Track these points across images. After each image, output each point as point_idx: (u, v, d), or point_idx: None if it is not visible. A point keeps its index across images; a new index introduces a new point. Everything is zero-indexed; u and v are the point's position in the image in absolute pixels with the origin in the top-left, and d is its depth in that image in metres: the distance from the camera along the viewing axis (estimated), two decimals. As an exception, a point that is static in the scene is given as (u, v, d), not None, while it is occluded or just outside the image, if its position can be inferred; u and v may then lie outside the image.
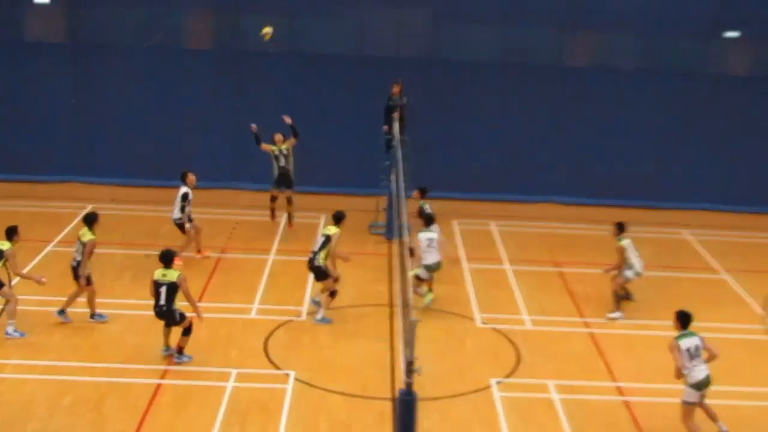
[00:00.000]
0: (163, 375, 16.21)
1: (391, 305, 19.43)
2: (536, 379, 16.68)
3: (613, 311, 19.43)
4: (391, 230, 22.79)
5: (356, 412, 15.25)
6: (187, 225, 21.42)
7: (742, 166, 26.91)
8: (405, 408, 11.34)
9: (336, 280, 18.63)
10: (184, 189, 21.43)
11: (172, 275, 16.33)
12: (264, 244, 22.82)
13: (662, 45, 26.98)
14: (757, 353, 18.17)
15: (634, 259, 19.27)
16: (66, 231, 22.90)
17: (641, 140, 26.81)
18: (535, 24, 26.73)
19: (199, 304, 16.89)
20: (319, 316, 18.59)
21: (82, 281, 17.78)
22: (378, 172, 24.01)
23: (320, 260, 18.27)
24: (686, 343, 14.28)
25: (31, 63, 26.57)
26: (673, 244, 24.41)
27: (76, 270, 17.85)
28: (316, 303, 18.85)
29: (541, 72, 26.79)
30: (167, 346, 16.75)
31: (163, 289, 16.31)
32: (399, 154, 20.87)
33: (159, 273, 16.42)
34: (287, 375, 16.41)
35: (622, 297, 19.69)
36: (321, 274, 18.40)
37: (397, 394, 11.66)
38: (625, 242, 19.21)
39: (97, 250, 18.85)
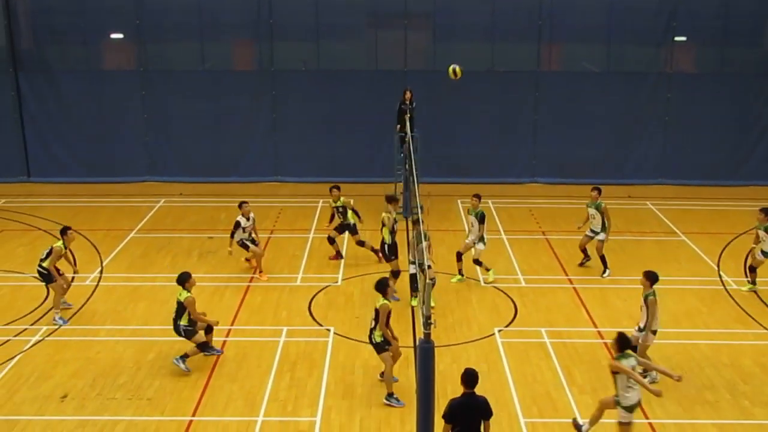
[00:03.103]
0: (228, 333, 16.14)
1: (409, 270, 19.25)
2: (531, 327, 16.54)
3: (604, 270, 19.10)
4: (406, 209, 22.58)
5: (385, 359, 15.16)
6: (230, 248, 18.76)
7: (690, 147, 26.60)
8: (424, 354, 11.19)
9: (395, 353, 14.20)
10: (237, 217, 18.86)
11: (183, 296, 14.64)
12: (304, 225, 22.67)
13: (621, 50, 26.72)
14: (708, 301, 17.89)
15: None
16: (143, 221, 22.82)
17: (607, 130, 26.59)
18: (515, 38, 26.52)
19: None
20: (385, 400, 14.04)
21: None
22: (394, 163, 23.87)
23: (376, 338, 14.02)
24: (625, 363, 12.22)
25: (110, 88, 26.54)
26: (638, 213, 24.04)
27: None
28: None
29: (521, 77, 26.55)
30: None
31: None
32: (410, 147, 20.76)
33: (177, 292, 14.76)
34: (328, 330, 16.33)
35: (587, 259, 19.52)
36: (378, 348, 14.02)
37: (417, 343, 11.49)
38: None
39: (169, 235, 18.81)
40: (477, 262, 18.54)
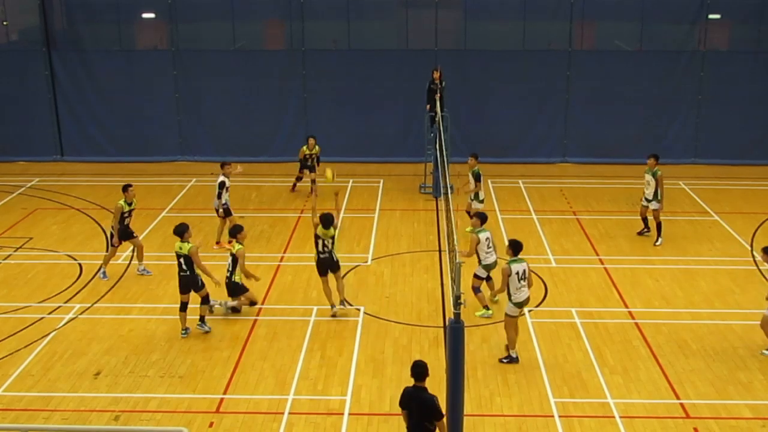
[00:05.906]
0: (259, 312, 16.19)
1: (439, 250, 19.18)
2: (561, 307, 16.42)
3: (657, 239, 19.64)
4: (437, 190, 22.50)
5: (414, 338, 15.16)
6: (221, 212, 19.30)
7: (723, 126, 26.19)
8: (454, 333, 11.15)
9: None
10: (221, 177, 19.27)
11: (185, 248, 15.00)
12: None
13: (654, 29, 26.34)
14: (741, 281, 17.67)
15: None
16: (175, 200, 22.92)
17: (639, 109, 26.25)
18: (547, 17, 26.19)
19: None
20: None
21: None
22: (424, 143, 23.78)
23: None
24: (516, 267, 14.06)
25: (142, 67, 26.60)
26: (671, 193, 23.73)
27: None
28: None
29: (554, 56, 26.25)
30: (185, 329, 15.30)
31: (182, 260, 15.08)
32: (440, 127, 20.67)
33: (176, 245, 15.14)
34: (358, 309, 16.32)
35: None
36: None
37: (447, 323, 11.45)
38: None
39: (200, 214, 18.79)
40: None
